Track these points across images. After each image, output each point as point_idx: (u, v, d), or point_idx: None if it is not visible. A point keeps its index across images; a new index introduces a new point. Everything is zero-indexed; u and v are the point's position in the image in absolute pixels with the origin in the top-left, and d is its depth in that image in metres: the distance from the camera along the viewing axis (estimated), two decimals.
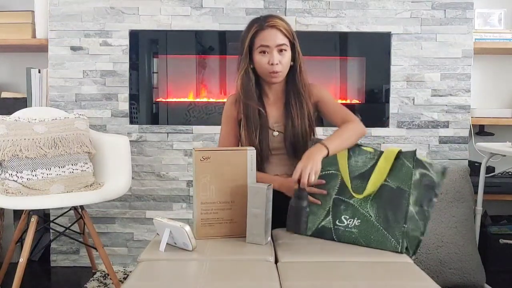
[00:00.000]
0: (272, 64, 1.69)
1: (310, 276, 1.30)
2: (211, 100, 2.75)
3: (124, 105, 2.68)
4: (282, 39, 1.69)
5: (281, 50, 1.70)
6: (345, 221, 1.54)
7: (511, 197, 2.67)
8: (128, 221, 2.70)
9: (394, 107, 2.67)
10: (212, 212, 1.56)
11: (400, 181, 1.48)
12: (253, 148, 1.59)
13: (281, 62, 1.70)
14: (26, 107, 2.63)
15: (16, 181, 2.15)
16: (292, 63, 1.75)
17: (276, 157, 1.79)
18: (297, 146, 1.75)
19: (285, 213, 1.65)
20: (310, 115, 1.78)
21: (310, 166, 1.50)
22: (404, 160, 1.49)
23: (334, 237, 1.56)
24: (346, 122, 1.70)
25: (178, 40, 2.72)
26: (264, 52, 1.70)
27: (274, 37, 1.68)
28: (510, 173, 2.76)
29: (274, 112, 1.80)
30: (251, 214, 1.51)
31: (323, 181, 1.57)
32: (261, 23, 1.70)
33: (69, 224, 2.47)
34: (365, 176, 1.54)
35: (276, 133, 1.78)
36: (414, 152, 1.49)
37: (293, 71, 1.76)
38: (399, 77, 2.66)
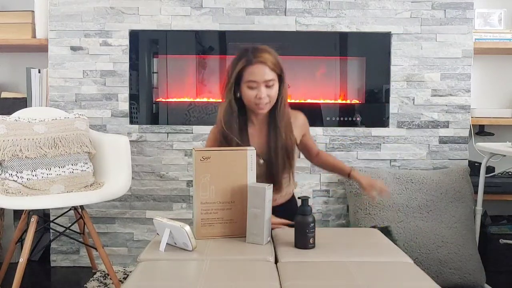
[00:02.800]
0: (260, 98, 1.70)
1: (310, 276, 1.30)
2: (211, 100, 2.75)
3: (124, 105, 2.68)
4: (269, 75, 1.70)
5: (268, 86, 1.70)
6: None
7: (511, 197, 2.67)
8: (128, 221, 2.70)
9: (394, 107, 2.67)
10: (212, 212, 1.56)
11: None
12: (253, 148, 1.60)
13: (269, 95, 1.72)
14: (26, 107, 2.63)
15: (16, 181, 2.15)
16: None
17: None
18: (275, 175, 1.78)
19: (286, 213, 1.65)
20: (289, 148, 1.80)
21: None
22: None
23: None
24: (319, 152, 2.01)
25: (178, 40, 2.72)
26: (252, 87, 1.70)
27: (262, 73, 1.68)
28: (510, 173, 2.75)
29: (258, 140, 1.81)
30: (251, 214, 1.51)
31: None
32: (249, 57, 1.69)
33: (69, 224, 2.47)
34: None
35: (261, 161, 1.79)
36: None
37: (275, 104, 1.76)
38: (399, 77, 2.66)
